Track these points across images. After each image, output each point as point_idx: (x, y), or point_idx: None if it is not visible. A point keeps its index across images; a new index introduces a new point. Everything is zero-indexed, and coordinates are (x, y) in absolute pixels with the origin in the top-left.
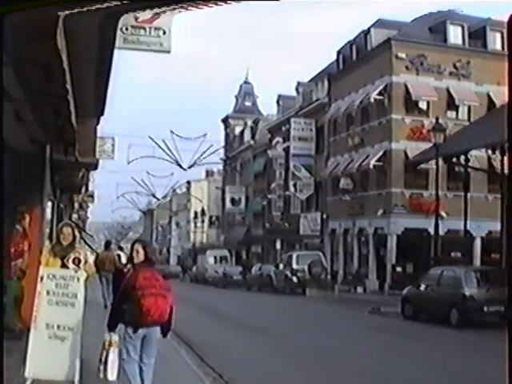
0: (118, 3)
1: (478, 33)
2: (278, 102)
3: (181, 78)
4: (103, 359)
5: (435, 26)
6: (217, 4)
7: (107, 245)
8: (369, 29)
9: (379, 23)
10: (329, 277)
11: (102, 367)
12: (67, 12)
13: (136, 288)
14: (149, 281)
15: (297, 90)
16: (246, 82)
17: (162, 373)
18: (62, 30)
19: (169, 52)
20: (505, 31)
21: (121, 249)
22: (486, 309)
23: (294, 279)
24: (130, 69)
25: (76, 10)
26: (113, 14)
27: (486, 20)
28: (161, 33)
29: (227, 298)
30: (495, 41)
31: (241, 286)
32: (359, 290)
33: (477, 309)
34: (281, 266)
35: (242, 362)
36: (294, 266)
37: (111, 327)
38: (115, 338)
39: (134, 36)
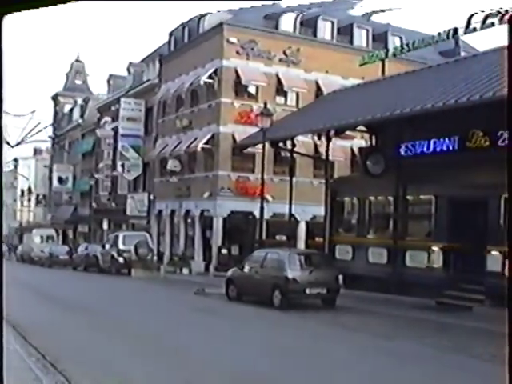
0: None
1: (309, 22)
2: (108, 81)
3: (10, 53)
4: None
5: (270, 13)
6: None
7: None
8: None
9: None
10: (155, 258)
11: None
12: None
13: None
14: None
15: (128, 70)
16: (77, 60)
17: None
18: None
19: None
20: (335, 21)
21: None
22: (308, 291)
23: (120, 260)
24: None
25: None
26: None
27: (318, 10)
28: None
29: (53, 277)
30: (325, 30)
31: (67, 265)
32: (185, 271)
33: (299, 291)
34: (107, 246)
35: (65, 343)
36: (120, 247)
37: None
38: None
39: None
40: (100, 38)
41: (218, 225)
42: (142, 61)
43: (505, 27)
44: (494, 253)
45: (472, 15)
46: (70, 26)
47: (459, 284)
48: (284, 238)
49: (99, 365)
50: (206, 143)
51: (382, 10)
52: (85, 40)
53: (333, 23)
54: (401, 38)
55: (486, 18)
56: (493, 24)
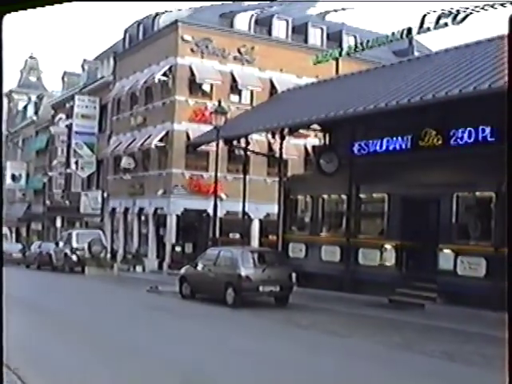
0: None
1: (264, 20)
2: (63, 78)
3: None
4: None
5: (226, 12)
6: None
7: None
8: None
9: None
10: (108, 255)
11: None
12: None
13: None
14: None
15: (82, 67)
16: (31, 57)
17: None
18: None
19: None
20: (290, 20)
21: None
22: (261, 289)
23: (74, 257)
24: None
25: None
26: None
27: (273, 10)
28: None
29: (4, 276)
30: (280, 29)
31: (20, 263)
32: (138, 269)
33: (252, 289)
34: (61, 244)
35: (15, 341)
36: (74, 245)
37: None
38: None
39: None
40: (54, 35)
41: (171, 222)
42: (97, 58)
43: (458, 27)
44: (446, 251)
45: (425, 15)
46: (23, 22)
47: (412, 282)
48: (237, 235)
49: (50, 365)
50: (160, 141)
51: (335, 10)
52: (39, 37)
53: (288, 22)
54: (355, 37)
55: (439, 18)
56: (446, 24)
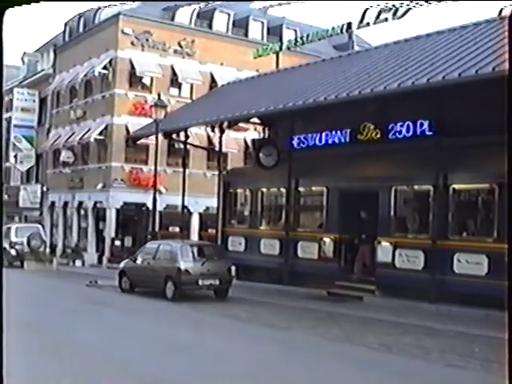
0: None
1: (206, 14)
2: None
3: None
4: None
5: (168, 6)
6: None
7: None
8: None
9: None
10: (48, 250)
11: None
12: None
13: None
14: None
15: (22, 59)
16: None
17: None
18: None
19: None
20: (232, 14)
21: None
22: (200, 282)
23: (13, 252)
24: None
25: None
26: None
27: (215, 3)
28: None
29: None
30: (221, 23)
31: None
32: (78, 263)
33: (192, 282)
34: None
35: None
36: (13, 239)
37: None
38: None
39: None
40: None
41: (111, 216)
42: (37, 51)
43: (397, 22)
44: (384, 244)
45: (366, 10)
46: None
47: (350, 275)
48: (177, 229)
49: None
50: (100, 134)
51: (280, 4)
52: None
53: (229, 16)
54: (295, 31)
55: (379, 12)
56: (386, 19)
